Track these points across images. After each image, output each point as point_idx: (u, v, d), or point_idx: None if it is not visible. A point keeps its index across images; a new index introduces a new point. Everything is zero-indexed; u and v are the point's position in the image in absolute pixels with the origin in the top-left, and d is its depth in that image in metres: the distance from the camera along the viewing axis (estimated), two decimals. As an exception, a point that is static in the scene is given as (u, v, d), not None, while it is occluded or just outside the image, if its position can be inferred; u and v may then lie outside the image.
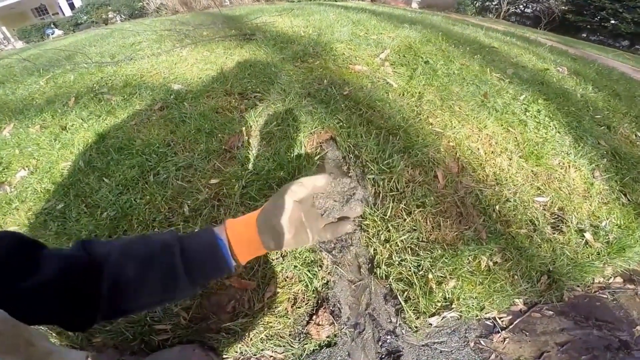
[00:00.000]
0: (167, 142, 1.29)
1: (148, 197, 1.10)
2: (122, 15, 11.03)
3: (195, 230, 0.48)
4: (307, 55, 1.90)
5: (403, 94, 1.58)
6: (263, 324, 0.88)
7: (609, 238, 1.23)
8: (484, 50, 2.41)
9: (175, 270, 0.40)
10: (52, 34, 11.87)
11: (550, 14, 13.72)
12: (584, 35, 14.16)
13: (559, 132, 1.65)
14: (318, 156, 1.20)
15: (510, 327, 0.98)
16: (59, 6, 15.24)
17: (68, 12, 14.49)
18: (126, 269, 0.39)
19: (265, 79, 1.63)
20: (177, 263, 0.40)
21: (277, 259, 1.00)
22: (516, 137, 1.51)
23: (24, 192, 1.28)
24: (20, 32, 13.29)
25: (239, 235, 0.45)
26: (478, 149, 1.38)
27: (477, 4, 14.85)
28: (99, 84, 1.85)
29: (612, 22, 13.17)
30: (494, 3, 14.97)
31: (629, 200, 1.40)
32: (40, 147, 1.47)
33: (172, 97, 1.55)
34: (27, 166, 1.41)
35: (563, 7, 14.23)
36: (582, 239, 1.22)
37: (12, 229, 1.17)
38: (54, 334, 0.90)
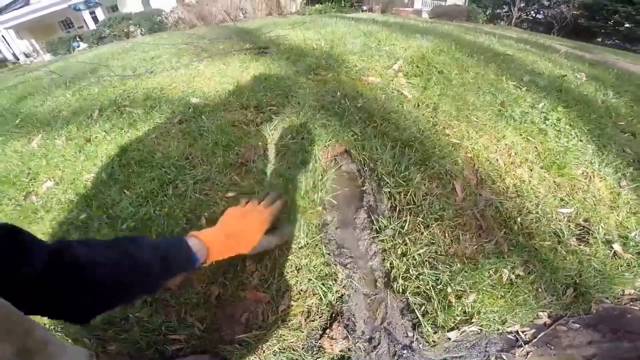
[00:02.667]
0: (186, 156, 1.32)
1: (167, 209, 1.12)
2: (142, 29, 11.53)
3: (172, 240, 0.58)
4: (320, 67, 1.92)
5: (418, 105, 1.57)
6: (276, 336, 0.88)
7: (639, 249, 1.18)
8: (499, 58, 2.38)
9: (154, 286, 0.50)
10: (77, 47, 12.50)
11: (562, 20, 13.52)
12: (599, 39, 13.85)
13: (580, 141, 1.60)
14: (334, 169, 1.20)
15: (534, 340, 0.95)
16: (84, 20, 16.11)
17: (92, 25, 15.29)
18: (111, 285, 0.43)
19: (280, 92, 1.66)
20: (157, 281, 0.50)
21: (291, 272, 0.99)
22: (536, 147, 1.47)
23: (49, 202, 1.34)
24: (48, 44, 14.04)
25: (213, 240, 0.62)
26: (497, 159, 1.35)
27: (488, 12, 14.80)
28: (122, 96, 1.93)
29: (627, 25, 12.85)
30: (504, 10, 14.88)
31: (659, 209, 1.33)
32: (65, 158, 1.53)
33: (190, 110, 1.60)
34: (53, 177, 1.47)
35: (575, 12, 14.01)
36: (610, 250, 1.17)
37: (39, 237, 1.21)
38: (70, 340, 0.92)
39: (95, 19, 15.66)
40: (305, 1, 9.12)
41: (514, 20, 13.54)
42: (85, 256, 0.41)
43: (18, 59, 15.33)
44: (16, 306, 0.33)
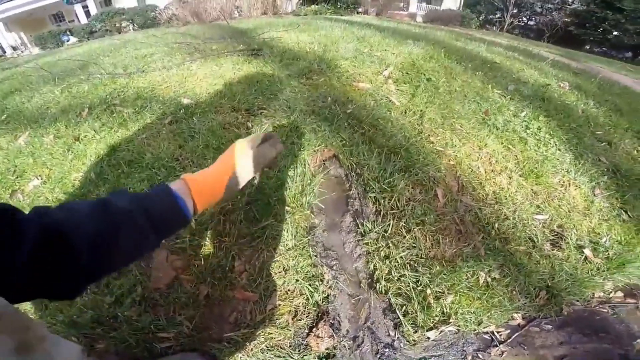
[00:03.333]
0: (176, 157, 1.33)
1: (157, 210, 1.14)
2: (135, 25, 11.33)
3: (152, 191, 0.48)
4: (312, 72, 1.95)
5: (405, 112, 1.62)
6: (264, 334, 0.91)
7: (608, 254, 1.25)
8: (486, 66, 2.45)
9: (145, 232, 0.44)
10: (67, 41, 12.18)
11: (553, 27, 13.84)
12: (588, 47, 14.22)
13: (559, 150, 1.67)
14: (322, 174, 1.24)
15: (509, 341, 0.99)
16: (76, 14, 15.69)
17: (84, 19, 14.90)
18: (100, 240, 0.39)
19: (271, 96, 1.68)
20: (145, 227, 0.44)
21: (279, 272, 1.03)
22: (516, 156, 1.53)
23: (35, 200, 1.33)
24: (37, 38, 13.64)
25: (202, 189, 0.51)
26: (478, 167, 1.40)
27: (481, 17, 15.03)
28: (112, 95, 1.91)
29: (615, 33, 13.23)
30: (497, 16, 15.14)
31: (629, 217, 1.42)
32: (53, 156, 1.52)
33: (181, 111, 1.61)
34: (40, 175, 1.46)
35: (566, 20, 14.35)
36: (582, 255, 1.23)
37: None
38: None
39: (87, 13, 15.27)
40: (301, 1, 9.12)
41: (506, 26, 13.80)
42: (66, 224, 0.37)
43: (5, 52, 14.85)
44: (10, 295, 0.32)
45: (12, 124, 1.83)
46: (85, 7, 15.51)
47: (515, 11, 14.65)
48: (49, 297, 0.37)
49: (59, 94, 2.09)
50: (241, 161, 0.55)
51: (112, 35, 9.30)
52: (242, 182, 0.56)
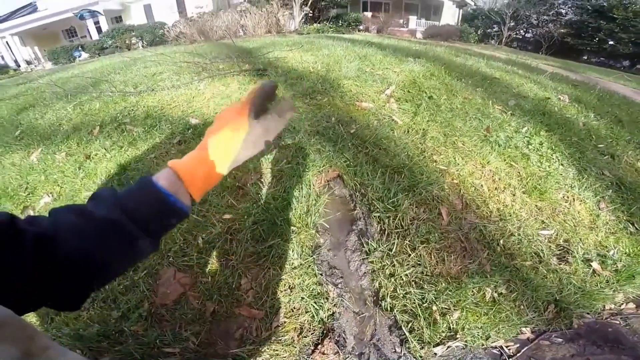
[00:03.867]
0: (184, 176, 1.36)
1: (165, 229, 1.16)
2: (144, 42, 11.69)
3: (135, 190, 0.41)
4: (316, 92, 2.00)
5: (408, 131, 1.65)
6: (269, 351, 0.91)
7: (617, 266, 1.25)
8: (486, 82, 2.50)
9: (133, 239, 0.39)
10: (79, 57, 12.56)
11: (550, 38, 14.04)
12: (585, 57, 14.35)
13: (562, 165, 1.67)
14: (327, 194, 1.26)
15: (518, 355, 0.98)
16: (87, 29, 16.24)
17: (95, 35, 15.41)
18: (88, 251, 0.37)
19: (276, 115, 1.72)
20: (133, 231, 0.39)
21: (284, 290, 1.04)
22: (519, 172, 1.55)
23: (47, 218, 1.36)
24: (50, 53, 14.09)
25: (191, 173, 0.43)
26: (481, 185, 1.42)
27: (479, 32, 15.33)
28: (122, 113, 1.95)
29: (611, 43, 13.34)
30: (495, 30, 15.43)
31: (637, 229, 1.41)
32: (65, 174, 1.55)
33: (189, 131, 1.65)
34: (51, 192, 1.49)
35: (562, 31, 14.55)
36: (590, 269, 1.23)
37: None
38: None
39: (99, 29, 15.81)
40: (303, 20, 9.41)
41: (504, 39, 14.03)
42: (53, 236, 0.36)
43: (19, 66, 15.36)
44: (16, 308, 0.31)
45: (26, 140, 1.87)
46: (97, 22, 16.07)
47: (512, 24, 14.93)
48: (54, 308, 0.37)
49: (71, 111, 2.14)
50: (239, 142, 0.45)
51: (122, 51, 9.59)
52: (239, 162, 0.46)
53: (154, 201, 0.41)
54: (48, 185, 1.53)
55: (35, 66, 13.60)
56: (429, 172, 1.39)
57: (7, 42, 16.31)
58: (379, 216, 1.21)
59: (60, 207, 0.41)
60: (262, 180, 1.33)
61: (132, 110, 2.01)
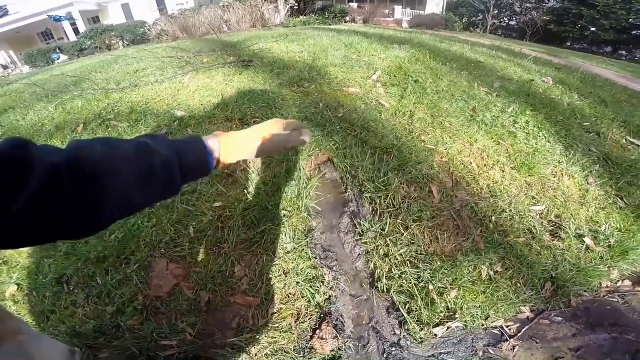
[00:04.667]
0: (172, 167, 1.34)
1: (155, 219, 1.14)
2: (125, 41, 11.39)
3: (189, 140, 0.51)
4: (303, 79, 1.98)
5: (395, 113, 1.65)
6: (267, 339, 0.91)
7: (609, 242, 1.25)
8: (471, 66, 2.51)
9: (173, 183, 0.46)
10: (57, 59, 12.13)
11: (533, 25, 14.21)
12: (568, 44, 14.60)
13: (548, 142, 1.69)
14: (317, 177, 1.25)
15: (519, 334, 0.97)
16: (64, 31, 15.72)
17: (73, 36, 14.93)
18: (127, 183, 0.39)
19: (263, 104, 1.71)
20: (177, 178, 0.46)
21: (279, 276, 1.03)
22: (507, 149, 1.57)
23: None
24: (27, 56, 13.57)
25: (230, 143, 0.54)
26: (470, 162, 1.43)
27: (464, 20, 15.41)
28: (106, 110, 1.91)
29: (592, 29, 13.57)
30: (479, 18, 15.53)
31: (626, 203, 1.43)
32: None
33: (175, 123, 1.62)
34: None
35: (545, 18, 14.73)
36: (583, 244, 1.23)
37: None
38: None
39: (76, 30, 15.31)
40: (289, 13, 9.29)
41: (488, 27, 14.13)
42: (102, 162, 0.37)
43: (-5, 71, 14.79)
44: (15, 239, 0.31)
45: None
46: (73, 24, 15.55)
47: (495, 12, 15.06)
48: (62, 238, 0.36)
49: (53, 111, 2.08)
50: (270, 134, 0.58)
51: (101, 52, 9.32)
52: (264, 152, 0.58)
53: (199, 156, 0.50)
54: (30, 187, 1.48)
55: (12, 70, 13.09)
56: (418, 152, 1.39)
57: (-22, 47, 15.68)
58: (370, 196, 1.21)
59: (122, 138, 0.45)
60: (251, 166, 1.31)
61: (116, 106, 1.96)
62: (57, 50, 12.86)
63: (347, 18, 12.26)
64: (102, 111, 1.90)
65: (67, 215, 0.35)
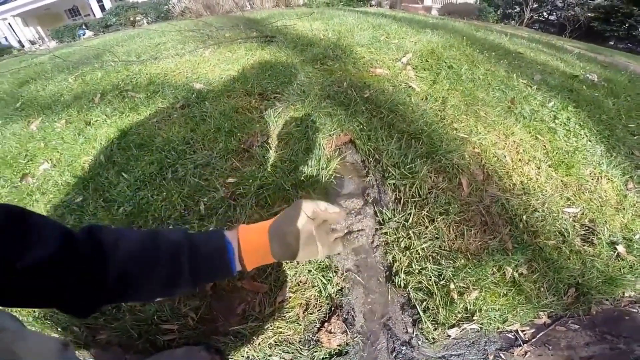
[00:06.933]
0: (187, 140, 1.30)
1: (165, 193, 1.10)
2: (149, 18, 11.51)
3: (207, 231, 0.48)
4: (327, 57, 1.89)
5: (426, 98, 1.53)
6: (273, 328, 0.86)
7: None
8: (510, 56, 2.34)
9: (181, 273, 0.42)
10: (83, 35, 12.45)
11: (575, 22, 13.28)
12: (611, 43, 13.63)
13: (590, 141, 1.56)
14: (338, 159, 1.17)
15: (533, 340, 0.93)
16: (91, 8, 16.09)
17: (99, 13, 15.25)
18: (133, 267, 0.39)
19: (285, 80, 1.63)
20: (184, 266, 0.42)
21: (290, 263, 0.97)
22: (545, 145, 1.44)
23: (45, 184, 1.32)
24: (54, 32, 14.04)
25: (250, 242, 0.46)
26: (504, 156, 1.31)
27: (499, 11, 14.55)
28: (124, 81, 1.90)
29: (641, 29, 12.59)
30: (516, 10, 14.63)
31: (664, 214, 1.30)
32: (64, 141, 1.51)
33: (193, 96, 1.58)
34: (50, 159, 1.45)
35: (589, 15, 13.74)
36: (614, 252, 1.15)
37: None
38: (59, 329, 0.90)
39: (102, 7, 15.62)
40: (313, -6, 9.01)
41: (525, 20, 13.30)
42: (112, 247, 0.38)
43: (23, 46, 15.34)
44: (15, 300, 0.32)
45: (26, 111, 1.85)
46: (99, 1, 15.83)
47: (535, 5, 14.13)
48: (60, 309, 0.36)
49: (72, 82, 2.11)
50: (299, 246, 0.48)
51: (126, 28, 9.45)
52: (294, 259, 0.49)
53: (216, 247, 0.44)
54: (47, 152, 1.49)
55: (40, 46, 13.55)
56: (449, 140, 1.28)
57: (9, 24, 16.28)
58: (394, 183, 1.12)
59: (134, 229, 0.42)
60: (269, 142, 1.25)
61: (135, 78, 1.95)
62: (84, 27, 13.20)
63: (373, 2, 11.81)
64: (120, 82, 1.89)
65: (71, 284, 0.35)
